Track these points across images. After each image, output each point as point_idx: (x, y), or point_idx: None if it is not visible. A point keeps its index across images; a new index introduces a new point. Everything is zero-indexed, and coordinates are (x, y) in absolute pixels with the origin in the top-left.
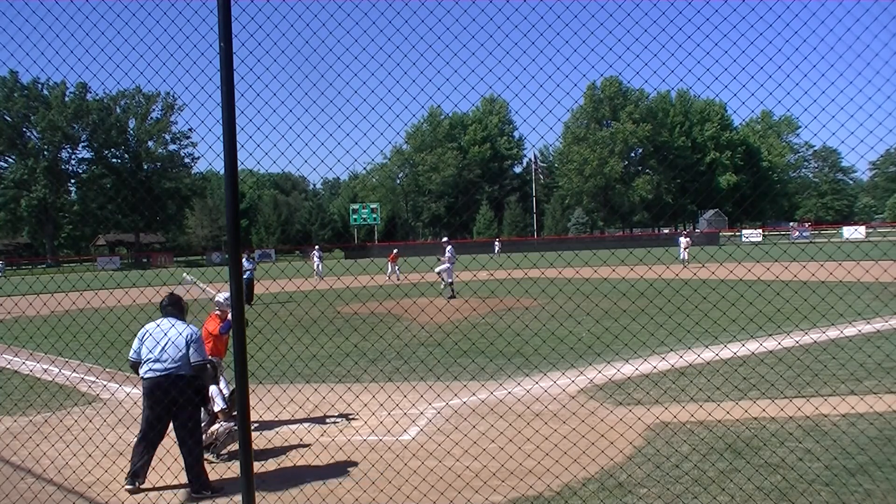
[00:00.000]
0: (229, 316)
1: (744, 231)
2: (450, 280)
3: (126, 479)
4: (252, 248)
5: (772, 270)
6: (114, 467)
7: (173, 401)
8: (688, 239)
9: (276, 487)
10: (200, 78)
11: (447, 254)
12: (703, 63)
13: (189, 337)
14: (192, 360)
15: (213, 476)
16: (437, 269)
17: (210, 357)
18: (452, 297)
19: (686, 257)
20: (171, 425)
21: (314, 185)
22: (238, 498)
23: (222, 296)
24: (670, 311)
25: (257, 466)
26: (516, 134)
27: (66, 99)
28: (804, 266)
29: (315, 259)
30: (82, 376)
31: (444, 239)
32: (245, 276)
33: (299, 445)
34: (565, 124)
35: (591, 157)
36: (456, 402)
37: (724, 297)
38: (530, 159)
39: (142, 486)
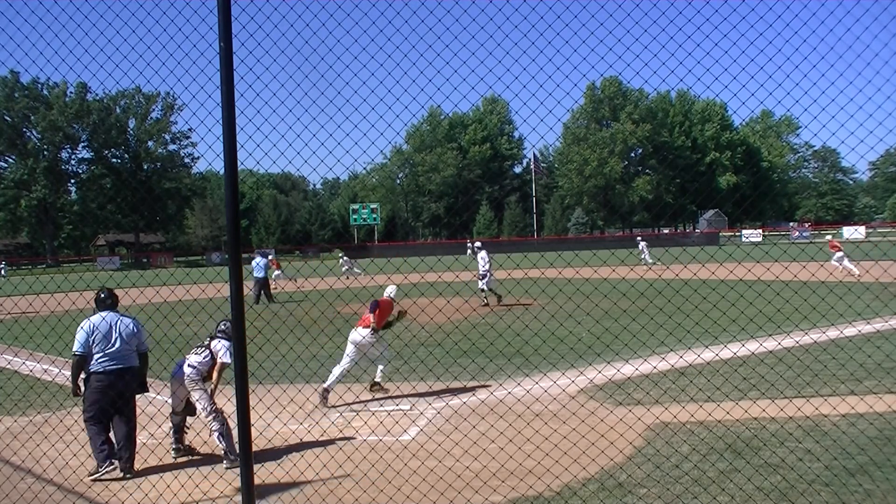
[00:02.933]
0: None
1: (744, 231)
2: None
3: (104, 462)
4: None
5: (772, 270)
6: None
7: (127, 389)
8: (644, 241)
9: (276, 487)
10: (200, 78)
11: (484, 261)
12: (703, 63)
13: (136, 330)
14: (139, 350)
15: (213, 476)
16: (483, 283)
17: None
18: (498, 301)
19: (648, 259)
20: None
21: (314, 185)
22: (238, 498)
23: (391, 289)
24: (670, 311)
25: (257, 467)
26: (516, 134)
27: (67, 99)
28: (804, 266)
29: (342, 261)
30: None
31: (478, 245)
32: (261, 276)
33: (299, 445)
34: (565, 124)
35: (591, 158)
36: (456, 402)
37: (724, 297)
38: (530, 159)
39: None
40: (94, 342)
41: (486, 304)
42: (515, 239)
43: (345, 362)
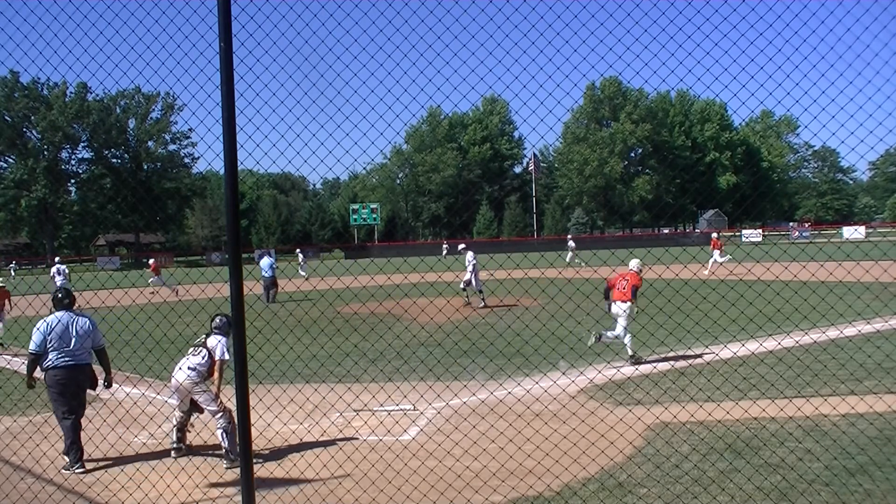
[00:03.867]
0: (634, 268)
1: (744, 231)
2: (478, 288)
3: (76, 463)
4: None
5: (772, 270)
6: (114, 467)
7: (83, 383)
8: (573, 243)
9: (276, 487)
10: (200, 78)
11: (469, 262)
12: (703, 63)
13: (91, 328)
14: (95, 346)
15: (213, 476)
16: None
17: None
18: (484, 303)
19: (571, 260)
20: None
21: (314, 185)
22: (238, 498)
23: (635, 262)
24: (670, 311)
25: (257, 467)
26: (516, 134)
27: (67, 99)
28: (804, 266)
29: (300, 259)
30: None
31: (462, 246)
32: (269, 275)
33: (299, 445)
34: (565, 124)
35: (591, 157)
36: (456, 402)
37: (724, 297)
38: (529, 159)
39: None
40: (50, 340)
41: (484, 305)
42: (515, 239)
43: (619, 330)
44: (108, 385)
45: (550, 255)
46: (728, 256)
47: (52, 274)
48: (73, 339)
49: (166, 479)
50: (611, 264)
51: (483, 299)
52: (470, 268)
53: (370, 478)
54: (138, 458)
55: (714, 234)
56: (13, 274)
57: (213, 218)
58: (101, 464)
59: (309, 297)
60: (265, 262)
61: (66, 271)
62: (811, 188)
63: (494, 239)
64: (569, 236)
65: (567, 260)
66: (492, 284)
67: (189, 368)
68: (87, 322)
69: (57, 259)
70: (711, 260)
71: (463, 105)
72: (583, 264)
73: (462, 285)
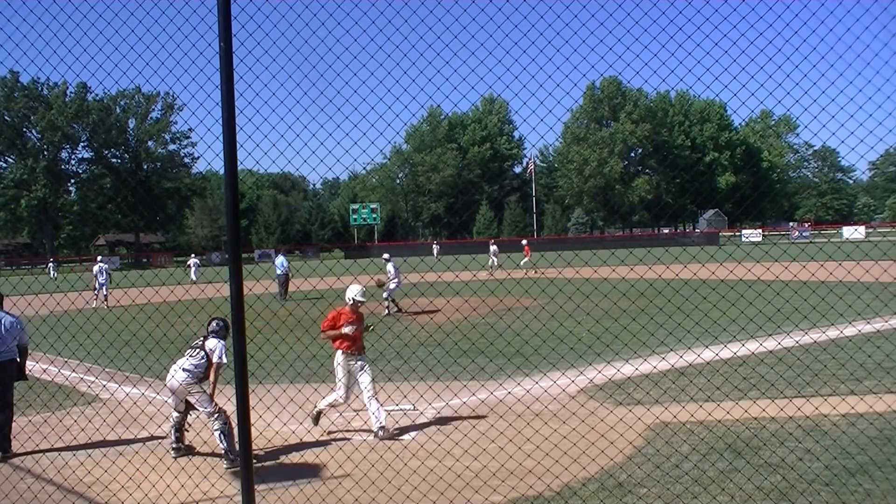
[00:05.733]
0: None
1: (744, 231)
2: (390, 295)
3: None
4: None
5: (772, 270)
6: (113, 467)
7: (11, 378)
8: (495, 247)
9: (277, 487)
10: (200, 78)
11: (391, 271)
12: (703, 63)
13: (19, 326)
14: (20, 343)
15: (213, 476)
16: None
17: None
18: (398, 310)
19: (494, 263)
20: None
21: (314, 185)
22: (238, 498)
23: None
24: (670, 311)
25: (257, 467)
26: (516, 134)
27: (67, 99)
28: (804, 266)
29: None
30: (82, 376)
31: (386, 256)
32: (280, 273)
33: (299, 445)
34: (565, 124)
35: (591, 157)
36: (456, 402)
37: (724, 297)
38: (529, 159)
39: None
40: None
41: (399, 310)
42: (515, 239)
43: None
44: (23, 379)
45: (550, 255)
46: (527, 264)
47: (94, 272)
48: (2, 337)
49: (166, 479)
50: (611, 264)
51: (397, 306)
52: (392, 275)
53: (370, 478)
54: (138, 458)
55: (524, 241)
56: (53, 274)
57: (213, 218)
58: (101, 464)
59: (309, 297)
60: (279, 260)
61: (108, 269)
62: (811, 188)
63: (494, 239)
64: (492, 241)
65: (488, 264)
66: (492, 284)
67: (184, 370)
68: (15, 321)
69: (99, 258)
70: (524, 263)
71: (463, 105)
72: (497, 265)
73: (386, 294)
